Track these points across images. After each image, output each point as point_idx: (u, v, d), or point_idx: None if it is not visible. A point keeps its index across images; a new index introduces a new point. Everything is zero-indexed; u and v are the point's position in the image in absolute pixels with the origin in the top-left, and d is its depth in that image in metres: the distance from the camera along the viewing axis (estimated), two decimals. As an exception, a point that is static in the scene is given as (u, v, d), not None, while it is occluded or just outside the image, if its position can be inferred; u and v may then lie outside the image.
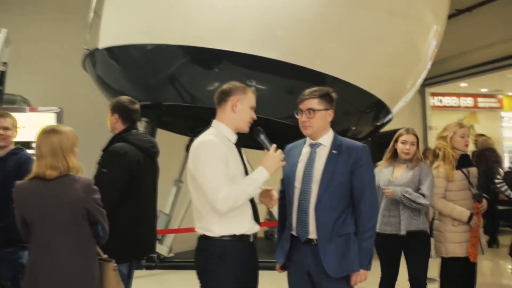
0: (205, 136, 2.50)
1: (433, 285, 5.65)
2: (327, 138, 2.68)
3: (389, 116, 7.21)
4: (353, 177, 2.59)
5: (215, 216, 2.43)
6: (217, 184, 2.34)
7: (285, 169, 2.72)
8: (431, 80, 12.17)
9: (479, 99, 15.72)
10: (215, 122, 2.59)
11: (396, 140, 3.77)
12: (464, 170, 3.72)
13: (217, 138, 2.48)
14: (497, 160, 7.37)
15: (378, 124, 7.31)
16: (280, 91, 5.80)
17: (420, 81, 7.49)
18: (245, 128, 2.59)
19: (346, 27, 5.82)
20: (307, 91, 2.69)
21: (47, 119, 5.27)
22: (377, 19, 5.94)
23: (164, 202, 7.13)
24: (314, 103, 2.63)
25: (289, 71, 5.71)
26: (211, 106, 5.90)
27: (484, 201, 3.76)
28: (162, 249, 6.71)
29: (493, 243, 7.57)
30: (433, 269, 6.32)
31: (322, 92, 2.67)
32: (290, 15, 5.60)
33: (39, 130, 2.58)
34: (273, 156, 2.50)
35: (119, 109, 3.24)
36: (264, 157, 2.51)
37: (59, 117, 5.34)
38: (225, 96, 2.55)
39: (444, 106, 15.13)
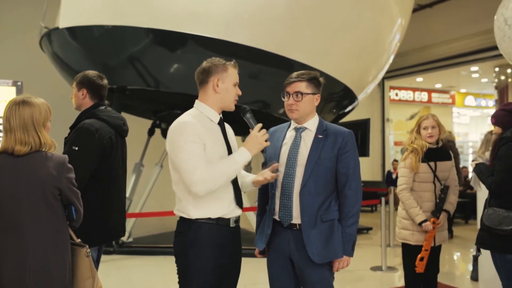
0: (182, 118, 2.41)
1: (395, 273, 5.80)
2: (312, 123, 2.63)
3: (354, 103, 7.29)
4: (338, 162, 2.55)
5: (190, 199, 2.36)
6: (192, 166, 2.26)
7: (268, 153, 2.66)
8: (390, 73, 12.41)
9: (433, 94, 16.24)
10: (197, 103, 2.49)
11: None
12: (431, 163, 3.72)
13: (195, 119, 2.39)
14: (458, 153, 7.58)
15: (344, 111, 7.38)
16: (247, 77, 5.73)
17: (382, 73, 7.63)
18: (231, 106, 2.50)
19: (315, 14, 5.82)
20: (295, 73, 2.63)
21: (7, 93, 4.97)
22: (346, 6, 6.00)
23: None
24: (302, 86, 2.58)
25: (257, 57, 5.64)
26: (175, 91, 5.79)
27: (442, 217, 3.70)
28: (121, 234, 6.57)
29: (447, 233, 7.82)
30: (396, 258, 6.51)
31: (310, 75, 2.61)
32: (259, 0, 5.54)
33: (8, 102, 2.37)
34: (256, 136, 2.42)
35: (87, 84, 3.06)
36: (247, 137, 2.43)
37: (19, 91, 5.06)
38: (204, 77, 2.44)
39: (400, 100, 15.52)
